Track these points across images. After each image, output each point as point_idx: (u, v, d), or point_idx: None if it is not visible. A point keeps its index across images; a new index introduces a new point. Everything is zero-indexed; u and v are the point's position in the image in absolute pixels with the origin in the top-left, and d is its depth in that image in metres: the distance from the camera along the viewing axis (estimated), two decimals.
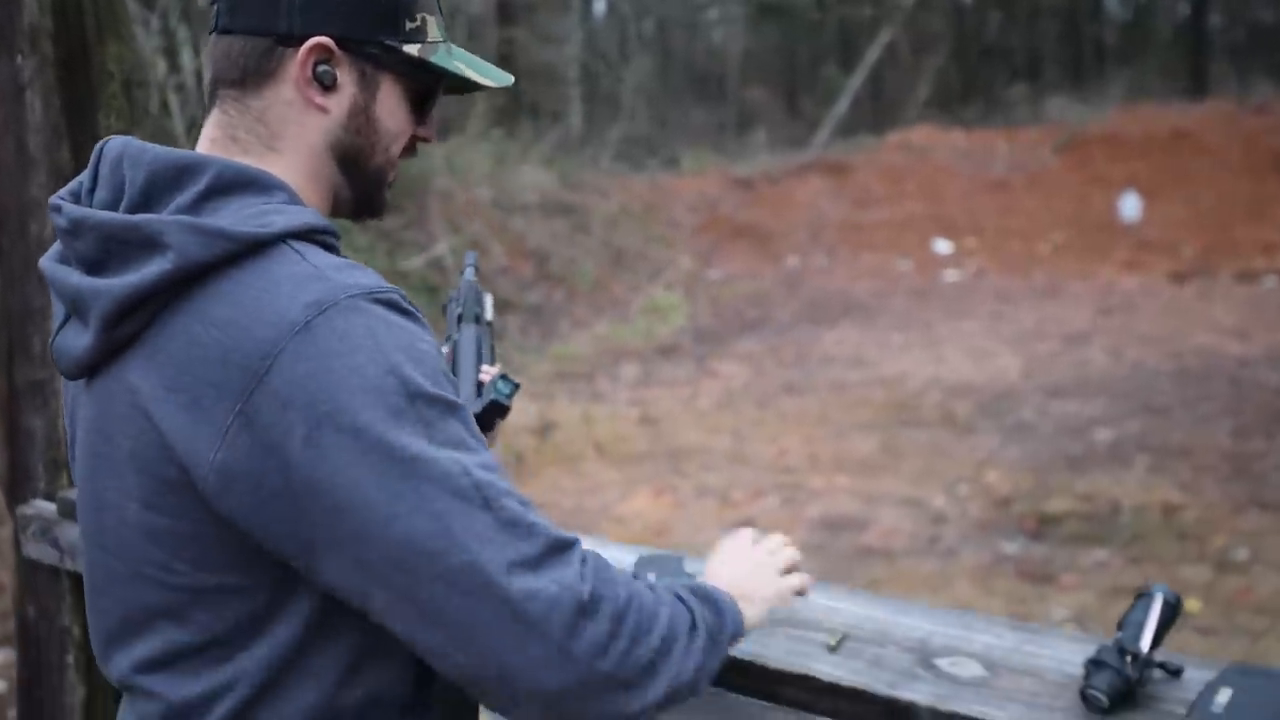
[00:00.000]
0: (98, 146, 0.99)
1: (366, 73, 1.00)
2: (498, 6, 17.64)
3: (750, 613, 1.07)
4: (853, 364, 8.95)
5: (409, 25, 1.01)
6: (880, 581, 4.24)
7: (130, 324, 0.90)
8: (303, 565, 0.88)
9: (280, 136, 0.99)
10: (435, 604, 0.85)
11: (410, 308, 0.91)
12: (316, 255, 0.90)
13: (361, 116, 1.01)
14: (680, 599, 0.98)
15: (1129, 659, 1.04)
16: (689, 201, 16.20)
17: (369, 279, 0.89)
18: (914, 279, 14.16)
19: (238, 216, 0.90)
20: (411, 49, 1.01)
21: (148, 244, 0.89)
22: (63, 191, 1.00)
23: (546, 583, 0.85)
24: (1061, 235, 15.51)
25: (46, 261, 0.98)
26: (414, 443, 0.84)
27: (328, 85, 0.98)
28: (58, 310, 0.99)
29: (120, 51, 1.76)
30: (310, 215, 0.93)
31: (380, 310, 0.87)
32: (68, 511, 1.69)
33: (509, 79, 1.09)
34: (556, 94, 20.68)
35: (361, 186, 1.04)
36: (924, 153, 18.06)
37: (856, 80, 22.84)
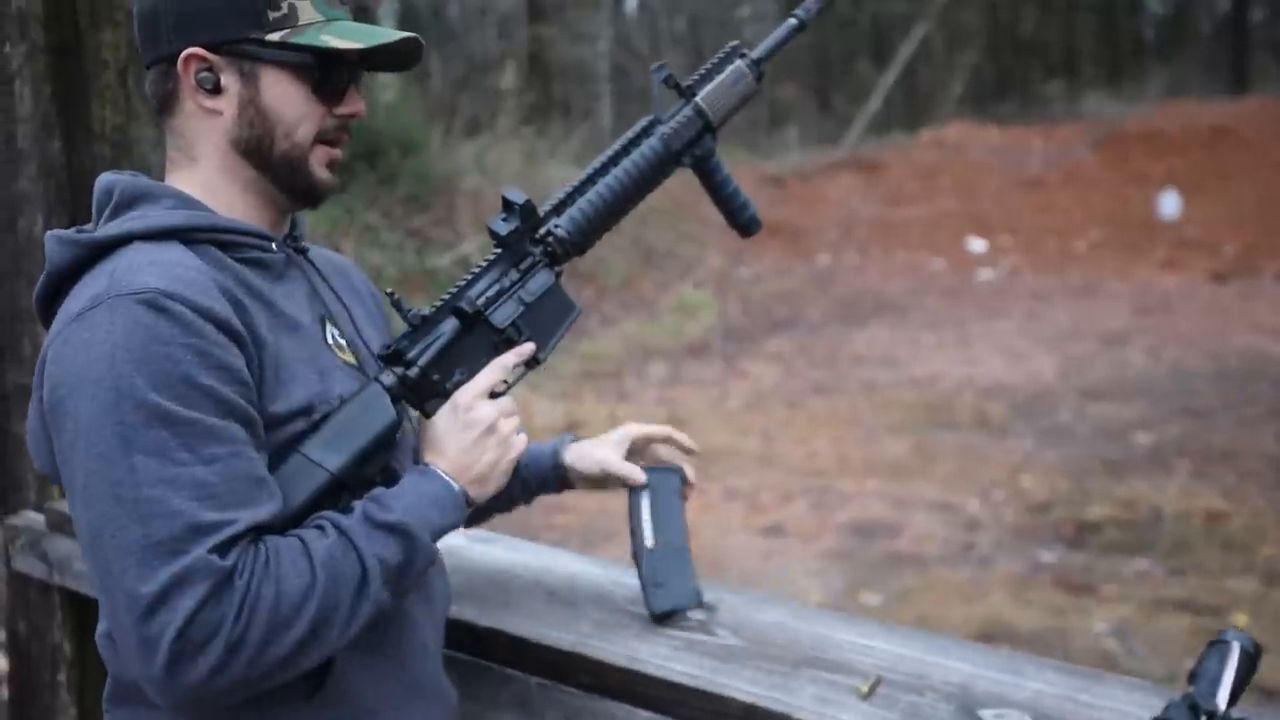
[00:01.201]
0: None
1: (244, 69, 1.07)
2: (528, 4, 17.58)
3: (482, 494, 1.11)
4: (884, 364, 8.80)
5: (273, 15, 1.07)
6: (912, 591, 4.11)
7: (50, 319, 1.05)
8: None
9: (194, 146, 1.10)
10: (99, 584, 0.94)
11: (175, 307, 0.94)
12: (140, 254, 0.99)
13: (251, 109, 1.08)
14: (354, 546, 0.99)
15: (1204, 719, 0.93)
16: None
17: (146, 279, 0.95)
18: (947, 278, 13.97)
19: (114, 224, 1.04)
20: (275, 36, 1.07)
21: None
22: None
23: (165, 614, 0.88)
24: (1099, 233, 15.25)
25: None
26: (108, 441, 0.91)
27: (211, 89, 1.07)
28: None
29: (116, 38, 1.69)
30: (178, 216, 1.04)
31: (137, 310, 0.94)
32: (58, 524, 1.61)
33: (390, 36, 1.09)
34: (587, 91, 20.62)
35: (276, 174, 1.10)
36: (958, 150, 17.84)
37: (889, 77, 22.62)
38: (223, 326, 0.97)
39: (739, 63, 1.26)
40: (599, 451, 1.43)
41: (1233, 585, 3.99)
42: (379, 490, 1.05)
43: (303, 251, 1.17)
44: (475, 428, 1.11)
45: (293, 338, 1.06)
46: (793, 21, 1.30)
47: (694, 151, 1.23)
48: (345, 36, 1.08)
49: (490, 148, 12.52)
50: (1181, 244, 14.49)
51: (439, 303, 1.15)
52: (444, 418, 1.12)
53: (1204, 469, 5.57)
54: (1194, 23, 26.45)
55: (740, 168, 17.61)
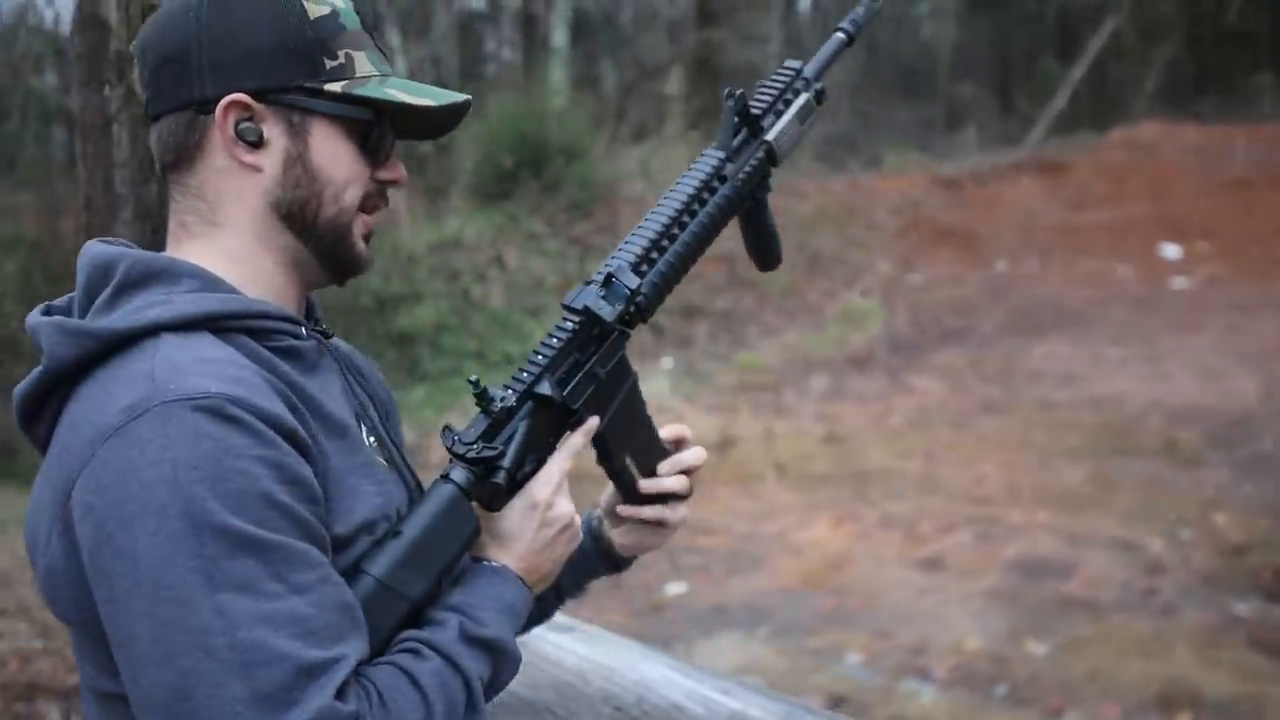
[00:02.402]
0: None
1: (294, 121, 0.94)
2: (697, 8, 17.52)
3: (541, 588, 1.04)
4: (1062, 381, 8.28)
5: (330, 64, 0.95)
6: (1083, 641, 3.78)
7: (41, 424, 0.90)
8: None
9: (219, 208, 0.95)
10: None
11: (239, 414, 0.81)
12: (179, 349, 0.85)
13: (298, 168, 0.95)
14: (459, 669, 0.90)
15: None
16: (890, 203, 15.60)
17: (201, 381, 0.81)
18: (1136, 286, 13.12)
19: (126, 310, 0.88)
20: (335, 86, 0.95)
21: (37, 348, 0.89)
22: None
23: None
24: None
25: None
26: (183, 580, 0.77)
27: (254, 142, 0.93)
28: None
29: None
30: (209, 301, 0.89)
31: (195, 419, 0.79)
32: None
33: (457, 98, 0.98)
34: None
35: (319, 244, 0.97)
36: (1150, 150, 16.80)
37: (1077, 73, 21.51)
38: (291, 437, 0.84)
39: (806, 96, 1.18)
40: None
41: None
42: (461, 599, 0.95)
43: (328, 337, 1.03)
44: (553, 526, 1.02)
45: (341, 443, 0.93)
46: (841, 36, 1.24)
47: (756, 194, 1.16)
48: (416, 93, 0.97)
49: (655, 153, 12.49)
50: None
51: (514, 384, 1.03)
52: (519, 515, 1.01)
53: None
54: None
55: (912, 170, 17.09)
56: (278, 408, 0.84)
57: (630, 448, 1.12)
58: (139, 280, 0.90)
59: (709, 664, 3.72)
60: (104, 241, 0.96)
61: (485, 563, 0.99)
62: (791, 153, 1.20)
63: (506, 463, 0.99)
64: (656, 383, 8.07)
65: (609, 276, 1.06)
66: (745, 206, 1.16)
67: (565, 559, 1.04)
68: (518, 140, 10.43)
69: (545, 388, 1.03)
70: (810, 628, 3.98)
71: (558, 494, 1.03)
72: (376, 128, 0.97)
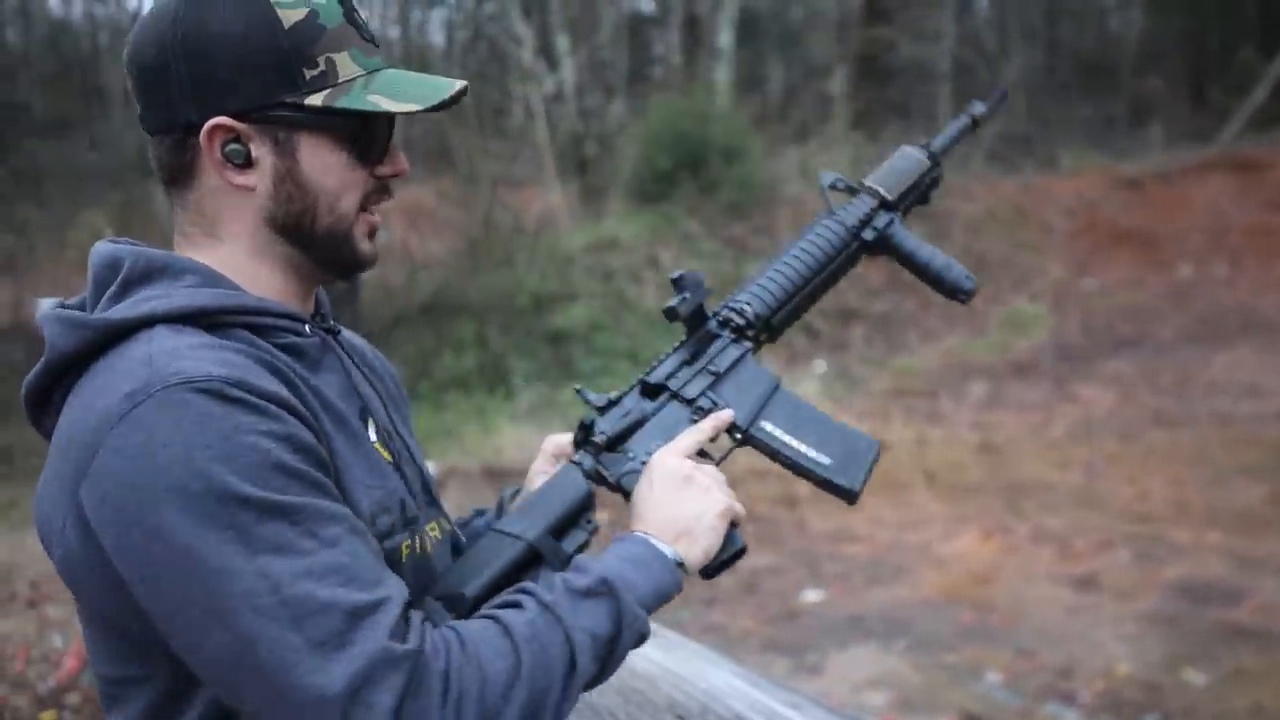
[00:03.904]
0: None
1: (279, 138, 0.94)
2: (867, 5, 17.20)
3: (693, 551, 1.02)
4: (1246, 394, 7.76)
5: (310, 74, 0.93)
6: (1249, 673, 3.53)
7: (48, 418, 0.93)
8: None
9: (218, 223, 0.96)
10: (264, 714, 0.82)
11: (243, 395, 0.83)
12: (172, 339, 0.86)
13: (288, 183, 0.95)
14: (558, 618, 0.90)
15: None
16: (1065, 204, 14.93)
17: (201, 365, 0.84)
18: None
19: (126, 304, 0.90)
20: (316, 99, 0.93)
21: (44, 340, 0.91)
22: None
23: (364, 713, 0.79)
24: None
25: None
26: (218, 550, 0.79)
27: (241, 163, 0.93)
28: None
29: None
30: (205, 296, 0.91)
31: (200, 401, 0.82)
32: None
33: (444, 93, 0.97)
34: (925, 92, 19.89)
35: (319, 252, 0.98)
36: None
37: (1279, 65, 20.04)
38: (294, 411, 0.87)
39: (906, 147, 1.30)
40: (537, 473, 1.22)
41: None
42: (578, 558, 0.99)
43: (334, 334, 1.04)
44: (669, 480, 1.05)
45: (343, 434, 0.95)
46: (966, 120, 1.33)
47: (874, 225, 1.24)
48: (397, 96, 0.95)
49: (816, 154, 12.33)
50: None
51: (629, 386, 1.16)
52: (639, 484, 1.07)
53: None
54: None
55: (1091, 169, 16.31)
56: (275, 386, 0.86)
57: (806, 440, 1.15)
58: (141, 276, 0.93)
59: (842, 676, 3.65)
60: (111, 240, 0.98)
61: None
62: (907, 194, 1.28)
63: (607, 430, 1.09)
64: (807, 386, 7.96)
65: (683, 282, 1.15)
66: (886, 248, 1.25)
67: (707, 515, 1.03)
68: (677, 141, 10.47)
69: (650, 379, 1.13)
70: (949, 643, 3.85)
71: (671, 456, 1.06)
72: (365, 132, 0.96)
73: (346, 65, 0.95)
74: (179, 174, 0.96)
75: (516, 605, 0.92)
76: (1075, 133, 19.81)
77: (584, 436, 1.10)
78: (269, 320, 0.93)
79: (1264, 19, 24.73)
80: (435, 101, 0.96)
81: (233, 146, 0.93)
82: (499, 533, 1.02)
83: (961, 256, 10.54)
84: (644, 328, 8.79)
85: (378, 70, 0.97)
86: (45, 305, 0.94)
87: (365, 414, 1.01)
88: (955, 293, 1.26)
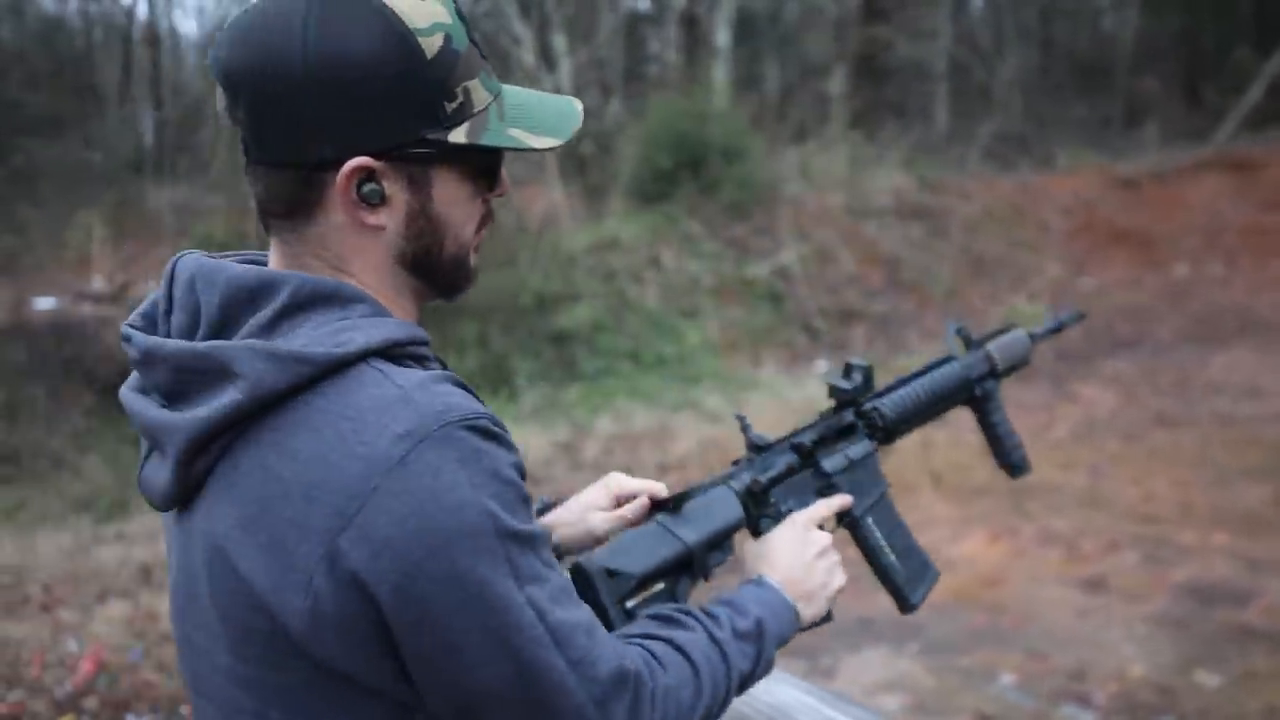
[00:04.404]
0: (169, 264, 0.93)
1: (414, 175, 0.89)
2: (865, 4, 17.22)
3: (807, 614, 1.09)
4: (1246, 394, 7.80)
5: (450, 107, 0.88)
6: (1260, 675, 3.55)
7: (206, 458, 0.84)
8: (408, 699, 0.85)
9: (346, 260, 0.90)
10: None
11: (498, 430, 0.84)
12: (401, 374, 0.83)
13: (420, 220, 0.91)
14: (725, 655, 0.98)
15: None
16: (1062, 203, 14.97)
17: (458, 400, 0.83)
18: None
19: (314, 335, 0.84)
20: (459, 134, 0.89)
21: (220, 373, 0.83)
22: (135, 316, 0.93)
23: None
24: None
25: (126, 391, 0.92)
26: (503, 586, 0.81)
27: (376, 203, 0.88)
28: (143, 440, 0.93)
29: None
30: (393, 328, 0.87)
31: (473, 439, 0.81)
32: None
33: (574, 121, 0.96)
34: (922, 91, 19.92)
35: (440, 279, 0.96)
36: None
37: (1275, 65, 20.12)
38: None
39: (1020, 330, 1.47)
40: (588, 499, 1.24)
41: None
42: (727, 599, 1.05)
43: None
44: (812, 546, 1.13)
45: None
46: (1056, 324, 1.54)
47: (984, 385, 1.41)
48: (534, 128, 0.93)
49: (815, 154, 12.35)
50: None
51: (780, 437, 1.25)
52: (782, 532, 1.15)
53: None
54: None
55: (1087, 169, 16.35)
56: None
57: (894, 548, 1.28)
58: (307, 302, 0.86)
59: (855, 679, 3.67)
60: (212, 256, 0.91)
61: (750, 578, 1.10)
62: (1009, 370, 1.46)
63: (766, 475, 1.19)
64: (810, 387, 7.98)
65: (854, 367, 1.30)
66: (974, 401, 1.41)
67: (830, 587, 1.12)
68: (677, 141, 10.47)
69: (804, 440, 1.22)
70: (961, 646, 3.87)
71: (814, 525, 1.16)
72: (494, 164, 0.94)
73: (479, 93, 0.90)
74: (299, 209, 0.88)
75: (685, 627, 0.98)
76: (1071, 132, 19.85)
77: (744, 468, 1.20)
78: (419, 350, 0.89)
79: (1259, 18, 24.80)
80: (570, 133, 0.95)
81: (370, 187, 0.87)
82: (664, 528, 1.11)
83: (960, 255, 10.61)
84: (646, 328, 8.80)
85: (500, 92, 0.94)
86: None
87: None
88: (1017, 469, 1.46)
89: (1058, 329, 1.49)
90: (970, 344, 1.42)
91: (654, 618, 1.00)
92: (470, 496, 0.79)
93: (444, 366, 0.96)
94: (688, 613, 1.00)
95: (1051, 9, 24.08)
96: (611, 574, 1.07)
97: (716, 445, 6.90)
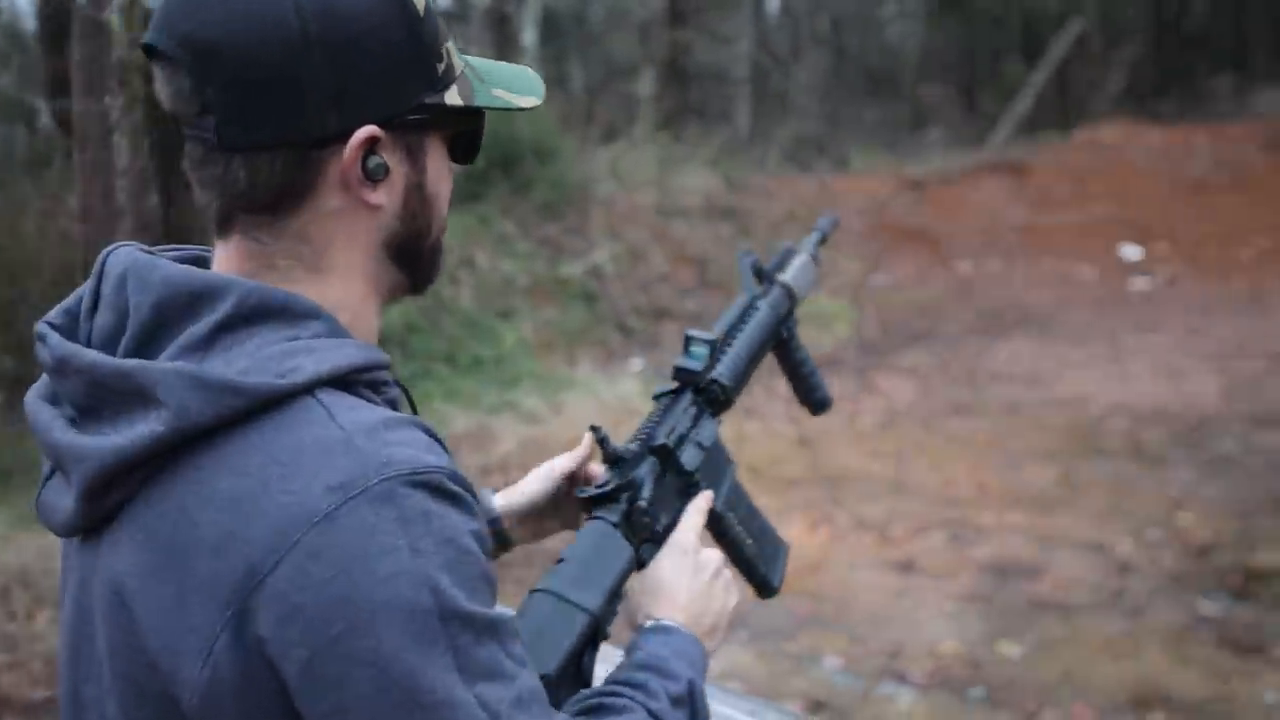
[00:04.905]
0: (100, 257, 0.81)
1: (412, 145, 0.82)
2: (669, 8, 17.53)
3: (714, 645, 1.00)
4: (1028, 382, 8.39)
5: (440, 68, 0.82)
6: (1055, 642, 3.83)
7: (119, 491, 0.73)
8: None
9: (327, 252, 0.80)
10: None
11: (457, 489, 0.72)
12: (350, 411, 0.72)
13: (416, 196, 0.83)
14: None
15: None
16: (857, 204, 15.69)
17: (410, 451, 0.71)
18: (1098, 288, 13.30)
19: (258, 357, 0.73)
20: (453, 96, 0.83)
21: (139, 397, 0.72)
22: (56, 311, 0.82)
23: None
24: (1267, 241, 14.29)
25: (33, 398, 0.80)
26: (441, 679, 0.68)
27: (380, 178, 0.80)
28: (45, 458, 0.82)
29: None
30: (351, 352, 0.76)
31: (421, 498, 0.69)
32: None
33: (539, 84, 0.92)
34: (725, 94, 20.47)
35: (421, 268, 0.88)
36: (1113, 151, 17.02)
37: (1041, 75, 21.73)
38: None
39: (802, 254, 1.36)
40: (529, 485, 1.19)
41: None
42: (639, 655, 0.93)
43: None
44: (705, 571, 1.02)
45: None
46: (816, 235, 1.43)
47: (788, 325, 1.30)
48: (511, 89, 0.88)
49: (625, 154, 12.49)
50: None
51: (632, 443, 1.09)
52: (671, 561, 1.01)
53: None
54: None
55: (880, 171, 17.20)
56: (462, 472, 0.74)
57: (751, 534, 1.18)
58: (253, 315, 0.74)
59: None
60: (148, 251, 0.79)
61: (652, 623, 0.97)
62: (804, 297, 1.35)
63: (642, 497, 1.02)
64: (626, 385, 8.08)
65: (698, 341, 1.16)
66: (779, 343, 1.29)
67: (728, 612, 1.03)
68: (489, 141, 10.24)
69: (664, 440, 1.07)
70: (788, 632, 4.01)
71: (697, 541, 1.04)
72: (481, 128, 0.88)
73: (455, 57, 0.85)
74: (286, 197, 0.78)
75: (620, 712, 0.86)
76: (864, 135, 20.85)
77: (608, 496, 1.04)
78: (378, 375, 0.78)
79: (1026, 32, 26.69)
80: (542, 93, 0.91)
81: (375, 160, 0.78)
82: (562, 600, 0.93)
83: (766, 255, 10.94)
84: (461, 329, 8.70)
85: (466, 58, 0.88)
86: None
87: None
88: (819, 406, 1.38)
89: (824, 239, 1.39)
90: (762, 277, 1.29)
91: (582, 713, 0.87)
92: (409, 565, 0.67)
93: (405, 391, 0.87)
94: (614, 693, 0.88)
95: (843, 18, 25.15)
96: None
97: (536, 445, 6.88)
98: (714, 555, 1.05)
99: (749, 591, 1.22)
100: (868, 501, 5.58)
